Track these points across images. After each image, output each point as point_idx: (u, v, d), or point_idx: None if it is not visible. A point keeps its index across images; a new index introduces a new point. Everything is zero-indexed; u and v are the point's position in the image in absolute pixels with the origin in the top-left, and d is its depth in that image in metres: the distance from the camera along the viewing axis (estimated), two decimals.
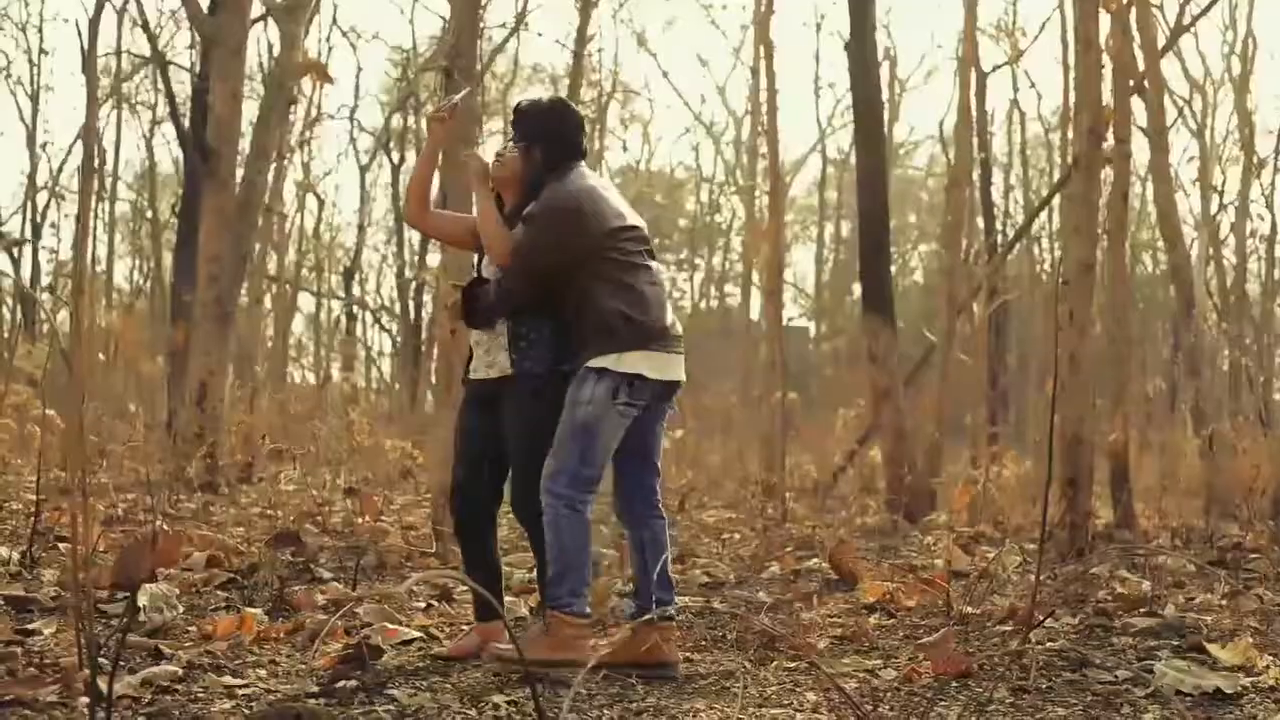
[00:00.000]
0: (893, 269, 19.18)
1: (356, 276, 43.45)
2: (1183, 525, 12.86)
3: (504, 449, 5.91)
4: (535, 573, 6.38)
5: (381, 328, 46.97)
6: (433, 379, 32.88)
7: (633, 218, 5.90)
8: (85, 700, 4.61)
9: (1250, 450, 14.56)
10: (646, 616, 5.53)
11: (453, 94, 6.27)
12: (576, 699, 5.15)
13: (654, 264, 5.90)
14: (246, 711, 4.67)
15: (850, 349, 36.44)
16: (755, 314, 34.07)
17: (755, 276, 31.18)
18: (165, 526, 8.69)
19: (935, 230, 45.73)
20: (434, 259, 37.28)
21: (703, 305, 51.96)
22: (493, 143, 36.30)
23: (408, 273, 38.92)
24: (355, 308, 43.18)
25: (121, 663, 4.33)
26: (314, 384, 28.65)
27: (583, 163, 5.98)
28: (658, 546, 5.86)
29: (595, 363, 5.61)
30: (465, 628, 6.49)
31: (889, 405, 14.81)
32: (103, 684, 4.10)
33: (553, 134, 5.94)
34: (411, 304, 39.36)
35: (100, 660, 4.42)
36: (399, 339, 42.13)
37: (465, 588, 7.76)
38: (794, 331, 43.46)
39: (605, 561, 8.82)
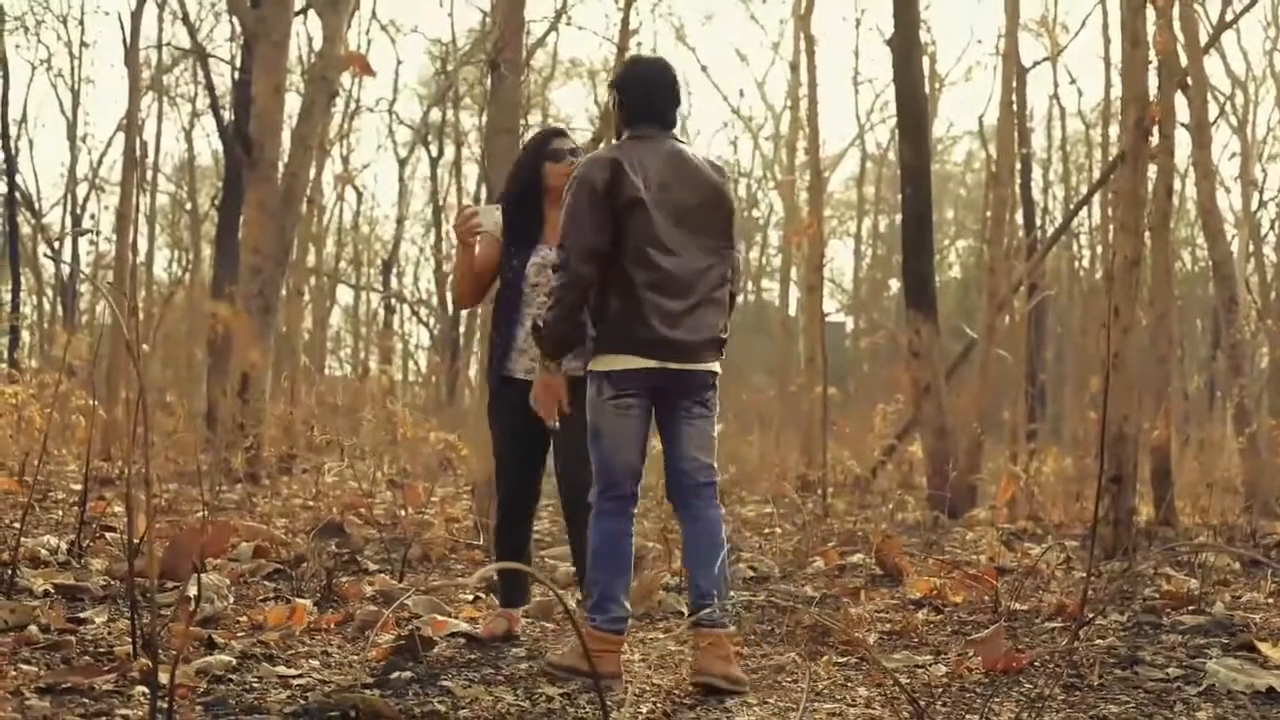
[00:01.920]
0: None
1: (394, 269, 43.60)
2: (1224, 523, 12.81)
3: (543, 447, 6.11)
4: (575, 567, 6.44)
5: (419, 320, 47.12)
6: (472, 371, 32.99)
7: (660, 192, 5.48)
8: (141, 689, 4.64)
9: None
10: (692, 619, 5.33)
11: (479, 207, 6.16)
12: (630, 692, 5.16)
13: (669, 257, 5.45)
14: (303, 701, 4.69)
15: (888, 344, 36.38)
16: (793, 309, 34.07)
17: (793, 271, 31.20)
18: (211, 517, 8.74)
19: (973, 226, 45.65)
20: None
21: (739, 299, 51.86)
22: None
23: (446, 266, 39.01)
24: (393, 300, 43.32)
25: (175, 651, 4.35)
26: (354, 376, 28.71)
27: (658, 129, 5.63)
28: (693, 540, 5.51)
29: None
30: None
31: (930, 401, 14.76)
32: (162, 674, 4.12)
33: (624, 86, 5.67)
34: (450, 296, 39.45)
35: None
36: (436, 332, 42.25)
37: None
38: (831, 326, 43.36)
39: (651, 554, 8.83)
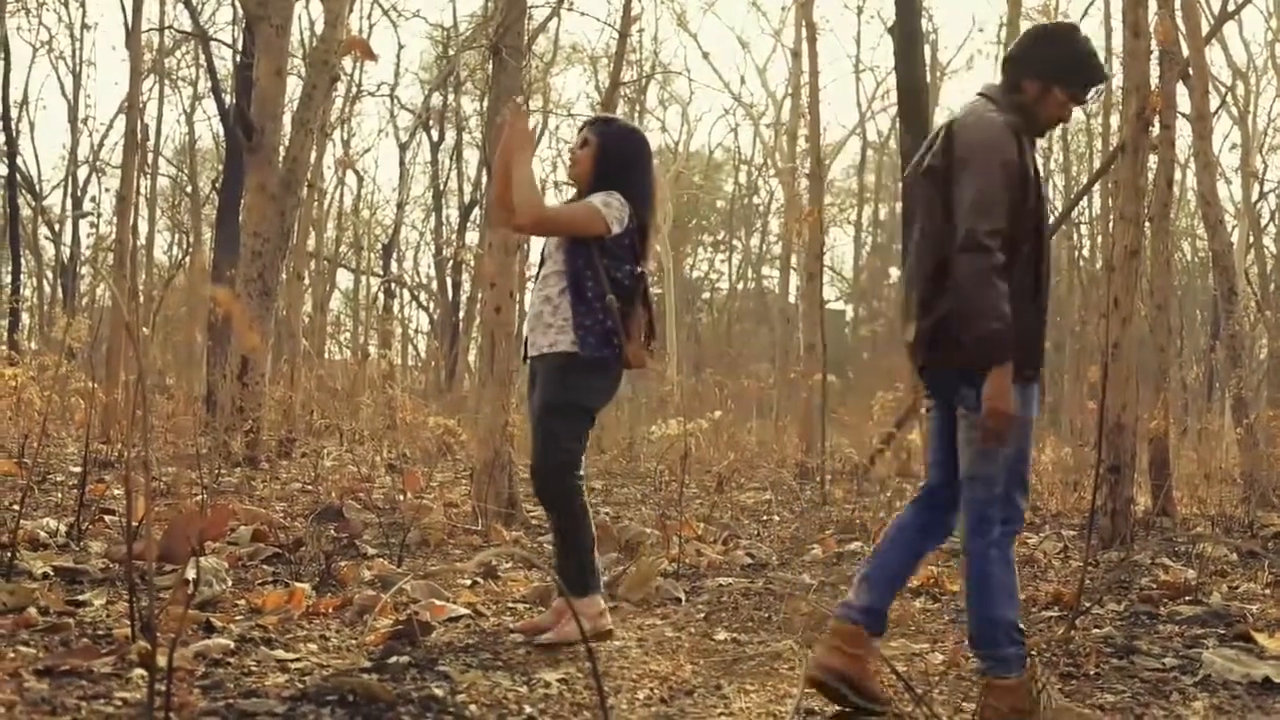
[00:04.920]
0: None
1: (395, 254, 43.57)
2: (1221, 514, 12.82)
3: None
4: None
5: (419, 305, 47.11)
6: (471, 356, 32.97)
7: None
8: (140, 671, 4.64)
9: None
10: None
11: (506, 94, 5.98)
12: (627, 678, 5.17)
13: None
14: (300, 685, 4.69)
15: (888, 332, 36.36)
16: (793, 296, 34.05)
17: (794, 258, 31.20)
18: (210, 500, 8.74)
19: None
20: (472, 236, 37.45)
21: (740, 287, 51.98)
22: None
23: (446, 250, 39.00)
24: (393, 285, 43.29)
25: (173, 634, 4.35)
26: (354, 360, 28.76)
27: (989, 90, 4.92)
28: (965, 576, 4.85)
29: None
30: (512, 605, 6.56)
31: None
32: (160, 657, 4.12)
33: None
34: (449, 281, 39.45)
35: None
36: (436, 316, 42.24)
37: (510, 565, 7.81)
38: (831, 314, 43.37)
39: (649, 540, 8.84)
